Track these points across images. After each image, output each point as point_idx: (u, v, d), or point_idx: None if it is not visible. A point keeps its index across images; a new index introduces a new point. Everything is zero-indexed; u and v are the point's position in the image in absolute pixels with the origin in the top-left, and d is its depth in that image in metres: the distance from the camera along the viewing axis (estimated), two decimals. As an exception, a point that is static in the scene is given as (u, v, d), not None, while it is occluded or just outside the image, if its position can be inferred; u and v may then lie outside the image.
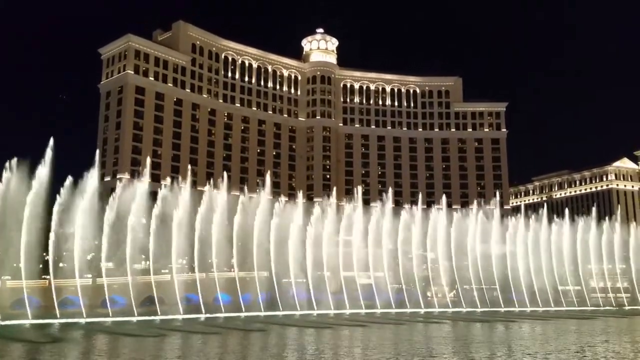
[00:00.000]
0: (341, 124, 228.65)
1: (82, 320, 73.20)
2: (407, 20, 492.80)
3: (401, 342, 53.06)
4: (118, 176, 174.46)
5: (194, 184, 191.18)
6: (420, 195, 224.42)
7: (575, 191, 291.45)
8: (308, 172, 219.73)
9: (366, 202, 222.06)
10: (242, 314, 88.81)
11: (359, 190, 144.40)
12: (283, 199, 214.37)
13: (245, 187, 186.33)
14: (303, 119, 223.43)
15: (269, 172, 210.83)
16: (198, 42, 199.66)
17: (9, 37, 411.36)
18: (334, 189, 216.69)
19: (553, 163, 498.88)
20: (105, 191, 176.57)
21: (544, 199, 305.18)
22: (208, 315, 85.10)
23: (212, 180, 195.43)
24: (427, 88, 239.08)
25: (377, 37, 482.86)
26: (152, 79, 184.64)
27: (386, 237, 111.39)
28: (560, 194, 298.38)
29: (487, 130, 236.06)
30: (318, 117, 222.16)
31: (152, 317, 79.73)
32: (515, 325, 75.86)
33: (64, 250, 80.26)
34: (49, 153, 76.18)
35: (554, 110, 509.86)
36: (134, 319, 77.38)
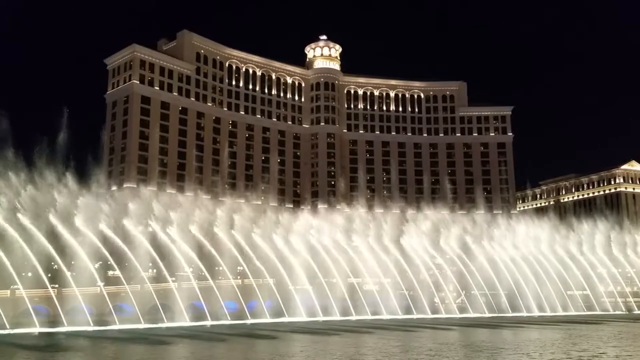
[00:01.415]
0: (345, 130, 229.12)
1: (90, 328, 73.55)
2: (411, 25, 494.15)
3: (415, 349, 52.85)
4: (125, 185, 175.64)
5: (200, 191, 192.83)
6: (425, 201, 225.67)
7: (583, 195, 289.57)
8: (313, 178, 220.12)
9: (371, 208, 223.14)
10: (248, 321, 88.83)
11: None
12: (288, 206, 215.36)
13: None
14: (307, 126, 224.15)
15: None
16: (202, 51, 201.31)
17: (14, 47, 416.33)
18: (339, 195, 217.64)
19: (560, 167, 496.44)
20: (113, 200, 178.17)
21: (552, 203, 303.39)
22: (214, 322, 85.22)
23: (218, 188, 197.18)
24: (431, 93, 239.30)
25: (380, 42, 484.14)
26: (158, 88, 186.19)
27: (392, 244, 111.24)
28: (568, 198, 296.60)
29: (493, 134, 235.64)
30: (322, 124, 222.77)
31: (159, 325, 79.95)
32: (525, 331, 75.15)
33: (72, 259, 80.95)
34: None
35: (560, 113, 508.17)
36: (141, 326, 77.68)
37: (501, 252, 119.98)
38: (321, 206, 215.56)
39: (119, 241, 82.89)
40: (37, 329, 71.08)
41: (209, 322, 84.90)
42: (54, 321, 75.28)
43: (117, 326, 76.98)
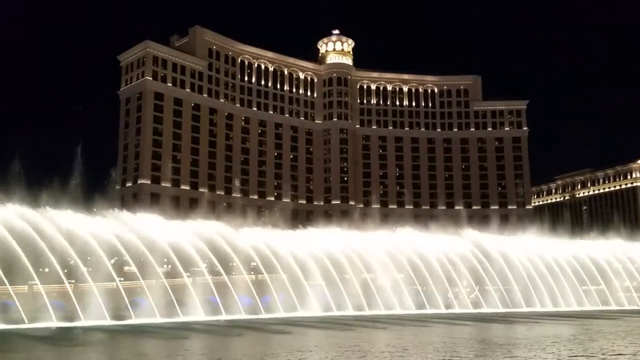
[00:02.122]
0: (358, 126, 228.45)
1: (106, 323, 74.55)
2: (424, 19, 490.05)
3: (430, 344, 52.61)
4: (139, 181, 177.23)
5: (213, 187, 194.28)
6: (439, 196, 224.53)
7: (598, 190, 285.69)
8: (325, 174, 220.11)
9: (384, 204, 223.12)
10: (262, 316, 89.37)
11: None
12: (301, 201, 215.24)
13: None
14: (320, 122, 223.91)
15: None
16: (214, 47, 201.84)
17: (27, 45, 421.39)
18: (352, 191, 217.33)
19: (576, 161, 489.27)
20: (127, 196, 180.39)
21: (567, 198, 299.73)
22: (228, 317, 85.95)
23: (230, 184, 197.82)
24: (445, 87, 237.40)
25: (393, 36, 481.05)
26: (170, 84, 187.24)
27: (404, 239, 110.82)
28: (583, 193, 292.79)
29: (508, 129, 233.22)
30: (335, 119, 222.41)
31: (174, 319, 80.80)
32: (540, 326, 74.33)
33: (87, 255, 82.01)
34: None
35: (576, 107, 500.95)
36: (157, 320, 78.57)
37: (515, 248, 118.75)
38: (334, 202, 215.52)
39: (135, 237, 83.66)
40: (54, 324, 72.20)
41: (223, 317, 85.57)
42: (71, 316, 76.38)
43: (133, 320, 77.91)
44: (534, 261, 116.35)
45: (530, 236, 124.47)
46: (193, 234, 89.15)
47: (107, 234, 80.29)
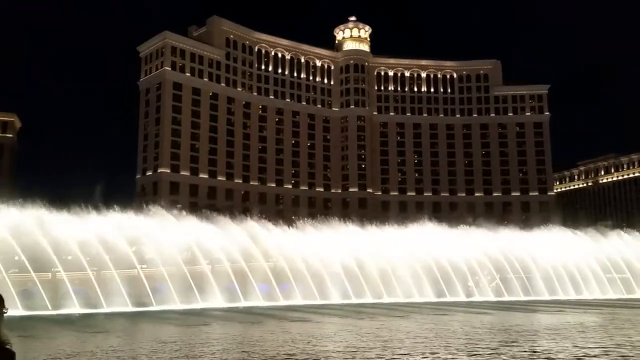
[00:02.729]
0: (376, 113, 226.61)
1: (128, 310, 75.63)
2: (441, 4, 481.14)
3: (451, 333, 52.00)
4: (159, 170, 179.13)
5: (231, 176, 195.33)
6: (458, 183, 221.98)
7: (622, 175, 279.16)
8: (343, 162, 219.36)
9: (402, 192, 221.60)
10: (281, 303, 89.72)
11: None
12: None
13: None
14: (337, 109, 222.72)
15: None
16: (232, 36, 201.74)
17: (46, 35, 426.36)
18: (369, 179, 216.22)
19: (599, 146, 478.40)
20: (147, 184, 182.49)
21: (590, 184, 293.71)
22: (247, 304, 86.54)
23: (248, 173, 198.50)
24: (464, 72, 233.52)
25: (410, 22, 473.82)
26: (189, 74, 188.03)
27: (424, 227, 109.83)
28: (607, 179, 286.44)
29: (529, 114, 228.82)
30: (352, 107, 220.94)
31: (194, 306, 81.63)
32: (564, 315, 72.93)
33: (108, 245, 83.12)
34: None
35: (599, 91, 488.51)
36: (178, 307, 79.48)
37: (536, 235, 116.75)
38: (352, 190, 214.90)
39: (153, 226, 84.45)
40: (77, 310, 73.49)
41: (242, 304, 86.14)
42: (93, 303, 77.66)
43: (154, 307, 78.87)
44: (558, 254, 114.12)
45: (555, 232, 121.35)
46: (214, 233, 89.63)
47: (130, 232, 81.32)
